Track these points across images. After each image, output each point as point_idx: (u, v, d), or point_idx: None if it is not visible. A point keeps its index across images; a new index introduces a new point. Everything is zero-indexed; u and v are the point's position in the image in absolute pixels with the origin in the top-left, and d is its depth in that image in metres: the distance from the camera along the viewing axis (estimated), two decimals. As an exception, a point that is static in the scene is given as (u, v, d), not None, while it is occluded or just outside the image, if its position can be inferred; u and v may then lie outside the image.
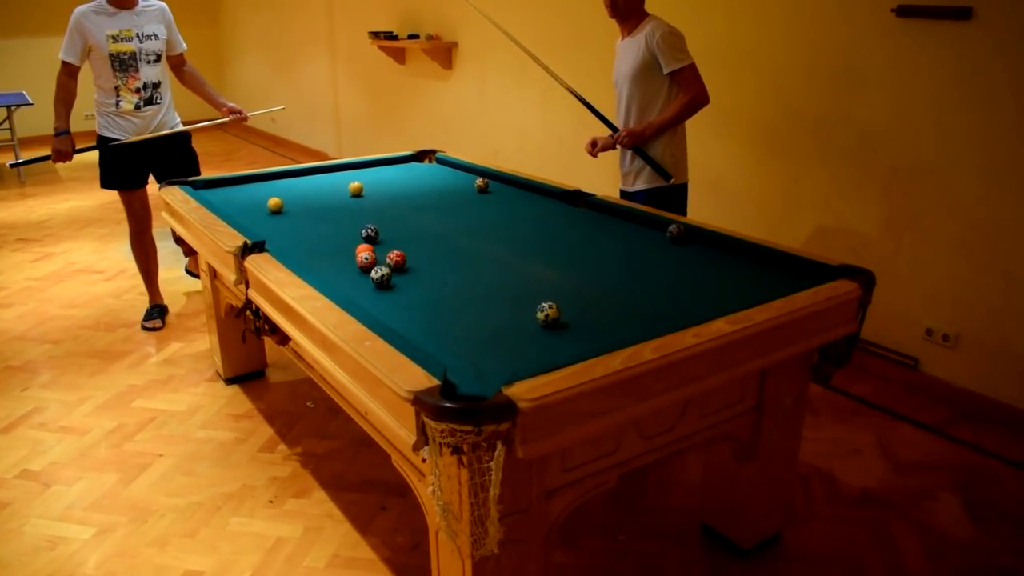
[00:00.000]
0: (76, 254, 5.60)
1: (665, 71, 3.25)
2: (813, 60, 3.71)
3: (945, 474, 2.97)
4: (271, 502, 2.79)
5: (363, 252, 2.45)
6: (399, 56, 7.00)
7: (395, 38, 6.72)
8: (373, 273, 2.29)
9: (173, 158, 4.23)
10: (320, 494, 2.83)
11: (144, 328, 4.28)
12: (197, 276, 4.46)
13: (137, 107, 4.06)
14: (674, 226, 2.73)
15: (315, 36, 8.50)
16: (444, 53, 6.34)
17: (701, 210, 3.78)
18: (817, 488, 2.86)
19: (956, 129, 3.26)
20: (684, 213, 3.46)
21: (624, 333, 1.89)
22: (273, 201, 3.17)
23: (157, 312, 4.37)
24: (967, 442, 3.18)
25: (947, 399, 3.45)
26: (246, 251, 2.55)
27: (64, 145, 4.00)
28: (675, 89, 3.32)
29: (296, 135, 9.31)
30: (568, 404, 1.62)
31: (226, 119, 4.37)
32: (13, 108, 7.89)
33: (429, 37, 6.37)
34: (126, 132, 4.10)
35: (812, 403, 3.41)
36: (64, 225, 6.36)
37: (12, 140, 7.94)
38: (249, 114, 4.41)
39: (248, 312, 2.63)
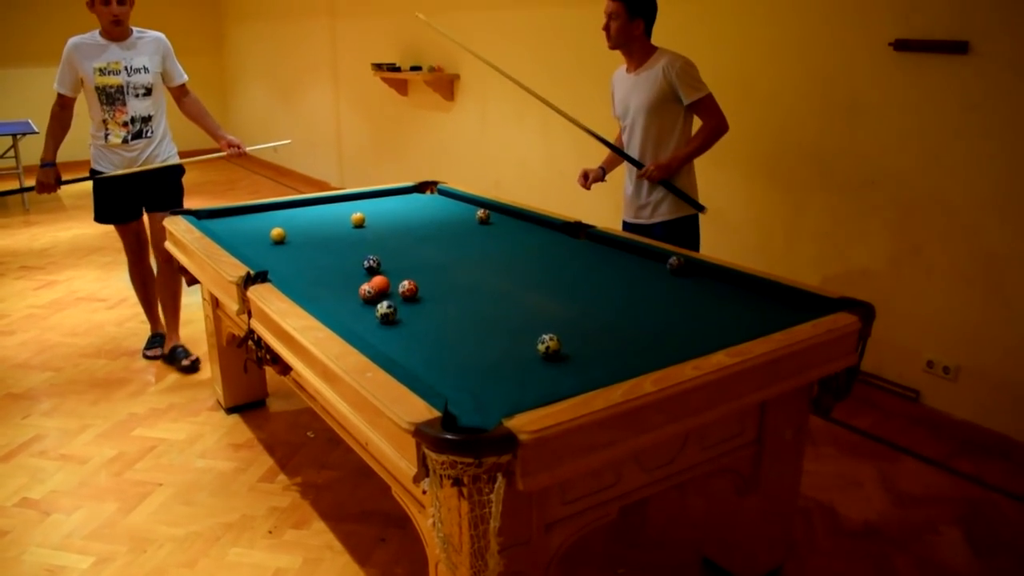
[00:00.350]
0: (79, 282, 5.62)
1: (685, 102, 3.27)
2: (813, 93, 3.75)
3: (947, 507, 2.96)
4: (270, 533, 2.78)
5: (367, 286, 2.45)
6: (401, 88, 7.07)
7: (398, 70, 6.80)
8: (380, 314, 2.26)
9: (159, 191, 4.12)
10: (320, 525, 2.82)
11: (145, 356, 4.28)
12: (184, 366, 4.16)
13: (125, 141, 3.96)
14: (674, 258, 2.75)
15: (318, 67, 8.60)
16: (446, 85, 6.41)
17: (702, 241, 3.79)
18: (818, 521, 2.85)
19: (955, 161, 3.28)
20: (698, 243, 3.50)
21: (624, 365, 1.90)
22: (276, 231, 3.19)
23: (158, 341, 4.37)
24: (969, 475, 3.17)
25: (948, 432, 3.45)
26: (249, 281, 2.57)
27: (47, 177, 3.96)
28: (689, 120, 3.36)
29: (298, 165, 9.38)
30: (569, 436, 1.62)
31: (223, 153, 4.24)
32: (19, 136, 7.98)
33: (431, 69, 6.44)
34: (114, 165, 4.01)
35: (812, 436, 3.40)
36: (67, 253, 6.39)
37: (17, 168, 8.02)
38: (248, 149, 4.29)
39: (250, 342, 2.64)
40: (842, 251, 3.76)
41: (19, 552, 2.68)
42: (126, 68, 3.90)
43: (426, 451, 1.57)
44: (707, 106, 3.28)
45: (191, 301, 4.93)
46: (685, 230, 3.43)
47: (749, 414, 2.21)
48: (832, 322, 2.19)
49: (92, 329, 4.71)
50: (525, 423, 1.58)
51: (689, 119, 3.37)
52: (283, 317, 2.25)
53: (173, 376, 4.04)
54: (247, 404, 3.70)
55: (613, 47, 3.38)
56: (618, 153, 3.52)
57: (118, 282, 5.53)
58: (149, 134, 4.03)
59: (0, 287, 5.55)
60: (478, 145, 6.29)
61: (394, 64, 6.91)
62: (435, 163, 6.78)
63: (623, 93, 3.47)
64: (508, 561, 1.70)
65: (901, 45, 3.35)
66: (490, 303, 2.49)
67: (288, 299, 2.38)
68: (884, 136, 3.50)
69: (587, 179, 3.62)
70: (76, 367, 4.17)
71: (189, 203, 4.14)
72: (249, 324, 2.59)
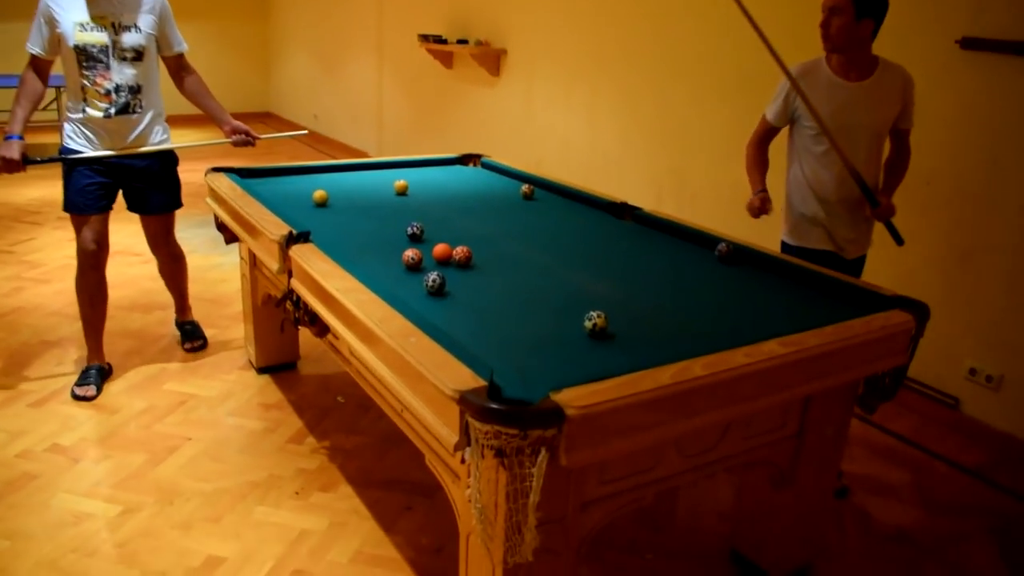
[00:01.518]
0: (115, 236, 5.56)
1: (905, 127, 2.89)
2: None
3: (981, 518, 2.89)
4: (297, 494, 2.78)
5: (411, 252, 2.41)
6: (447, 60, 7.02)
7: (444, 42, 6.75)
8: (429, 285, 2.21)
9: (149, 183, 3.57)
10: (346, 489, 2.82)
11: (75, 396, 3.39)
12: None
13: (107, 115, 3.29)
14: (723, 244, 2.70)
15: (364, 36, 8.56)
16: (492, 60, 6.35)
17: (753, 232, 3.72)
18: (851, 522, 2.80)
19: (1014, 166, 3.19)
20: None
21: (672, 348, 1.86)
22: (318, 194, 3.16)
23: (94, 376, 3.50)
24: (1006, 487, 3.10)
25: (987, 442, 3.37)
26: (291, 240, 2.55)
27: (10, 151, 3.18)
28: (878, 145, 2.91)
29: (338, 133, 9.37)
30: (615, 415, 1.59)
31: (228, 140, 3.62)
32: (62, 88, 8.03)
33: (478, 43, 6.38)
34: (92, 145, 3.36)
35: (849, 437, 3.34)
36: (105, 206, 6.42)
37: (59, 119, 8.08)
38: (261, 136, 3.72)
39: (289, 302, 2.63)
40: (889, 249, 3.66)
41: (47, 497, 2.70)
42: (113, 25, 3.23)
43: (470, 420, 1.54)
44: (909, 136, 2.94)
45: (227, 260, 4.96)
46: (862, 266, 3.12)
47: (793, 407, 2.16)
48: (886, 319, 2.14)
49: (127, 282, 4.74)
50: (573, 398, 1.54)
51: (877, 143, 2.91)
52: (325, 278, 2.23)
53: (206, 333, 4.02)
54: (278, 365, 3.70)
55: (832, 50, 2.81)
56: (858, 183, 2.80)
57: (155, 238, 5.55)
58: (138, 109, 3.37)
59: (38, 236, 5.61)
60: (521, 123, 6.23)
61: (440, 36, 6.85)
62: (476, 139, 6.73)
63: (837, 103, 2.81)
64: (541, 537, 1.66)
65: (969, 43, 3.25)
66: (535, 278, 2.45)
67: (331, 260, 2.36)
68: (943, 135, 3.41)
69: (764, 204, 2.92)
70: (110, 319, 4.14)
71: (229, 163, 4.11)
72: (289, 284, 2.57)
